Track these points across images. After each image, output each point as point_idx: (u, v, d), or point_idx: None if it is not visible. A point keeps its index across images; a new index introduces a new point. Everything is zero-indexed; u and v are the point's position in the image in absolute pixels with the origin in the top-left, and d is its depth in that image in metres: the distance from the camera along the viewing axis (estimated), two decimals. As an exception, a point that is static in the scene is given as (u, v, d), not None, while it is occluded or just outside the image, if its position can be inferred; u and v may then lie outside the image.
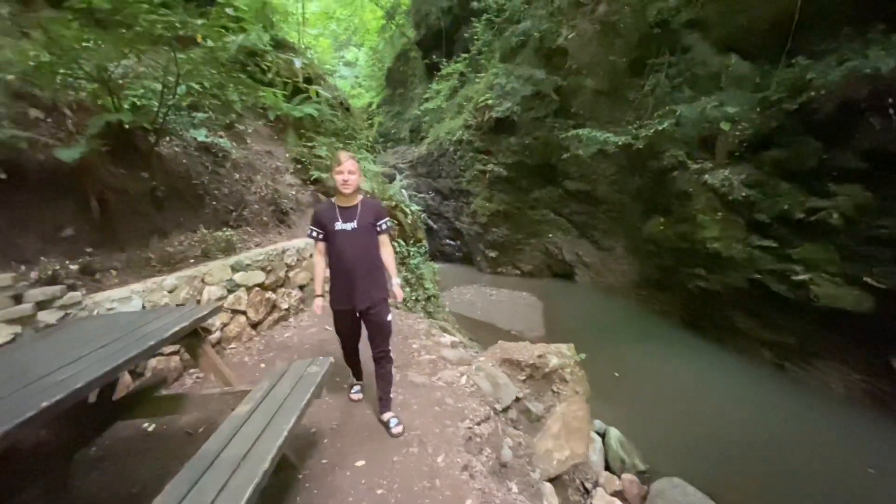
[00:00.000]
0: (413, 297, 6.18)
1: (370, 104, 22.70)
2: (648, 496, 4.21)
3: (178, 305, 3.15)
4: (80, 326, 2.14)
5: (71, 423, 2.13)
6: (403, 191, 12.71)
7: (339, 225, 2.48)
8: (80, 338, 1.88)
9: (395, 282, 2.66)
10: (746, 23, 6.89)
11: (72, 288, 2.79)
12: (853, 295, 5.31)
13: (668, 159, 7.67)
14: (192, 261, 3.83)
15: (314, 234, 2.56)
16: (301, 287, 4.62)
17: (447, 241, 13.96)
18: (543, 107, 10.63)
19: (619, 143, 7.85)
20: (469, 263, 13.38)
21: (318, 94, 6.43)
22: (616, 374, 6.51)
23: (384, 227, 2.60)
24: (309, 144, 6.59)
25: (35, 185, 3.09)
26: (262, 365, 3.42)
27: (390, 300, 2.65)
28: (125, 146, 3.81)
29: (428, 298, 6.51)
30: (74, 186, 3.33)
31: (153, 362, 3.01)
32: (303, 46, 12.65)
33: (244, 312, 3.83)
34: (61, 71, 3.29)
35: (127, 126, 3.61)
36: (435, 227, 13.92)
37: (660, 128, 7.33)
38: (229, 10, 3.37)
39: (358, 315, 2.57)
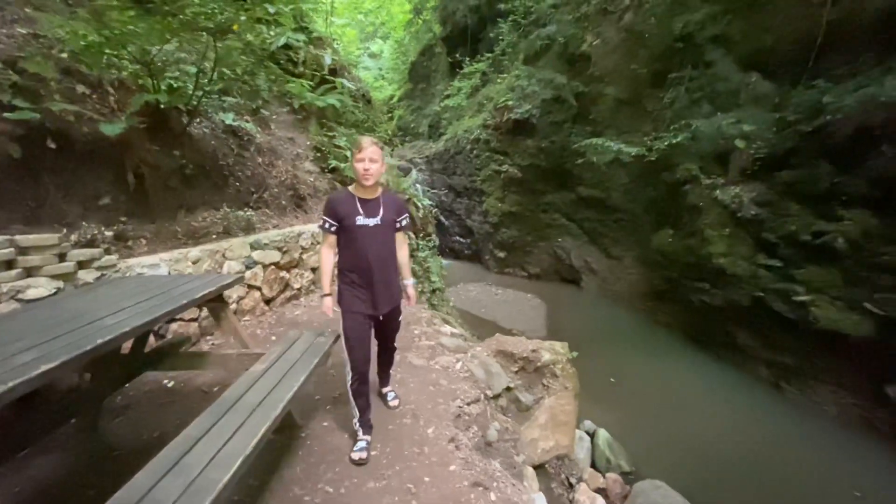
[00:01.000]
0: (419, 290, 6.42)
1: (392, 97, 23.01)
2: (630, 495, 4.40)
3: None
4: (118, 285, 2.42)
5: (104, 370, 2.41)
6: (417, 185, 12.99)
7: (360, 220, 2.23)
8: (120, 294, 2.15)
9: (409, 282, 2.53)
10: (770, 42, 6.96)
11: (107, 252, 3.09)
12: (853, 320, 5.41)
13: (682, 173, 7.79)
14: (214, 236, 4.12)
15: (327, 225, 2.27)
16: (313, 270, 4.89)
17: (457, 237, 14.18)
18: (563, 111, 10.77)
19: (633, 153, 7.97)
20: (477, 262, 13.59)
21: (342, 85, 6.68)
22: (612, 380, 6.69)
23: (405, 223, 2.45)
24: (329, 134, 6.87)
25: (79, 155, 3.40)
26: (273, 338, 3.69)
27: (402, 302, 2.53)
28: (160, 125, 4.11)
29: (433, 291, 6.75)
30: (113, 159, 3.64)
31: (174, 326, 3.30)
32: (329, 36, 12.96)
33: (259, 288, 4.11)
34: (108, 51, 3.59)
35: (163, 106, 3.90)
36: (446, 223, 14.16)
37: (675, 141, 7.45)
38: (269, 7, 3.62)
39: (381, 319, 2.38)
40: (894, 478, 4.89)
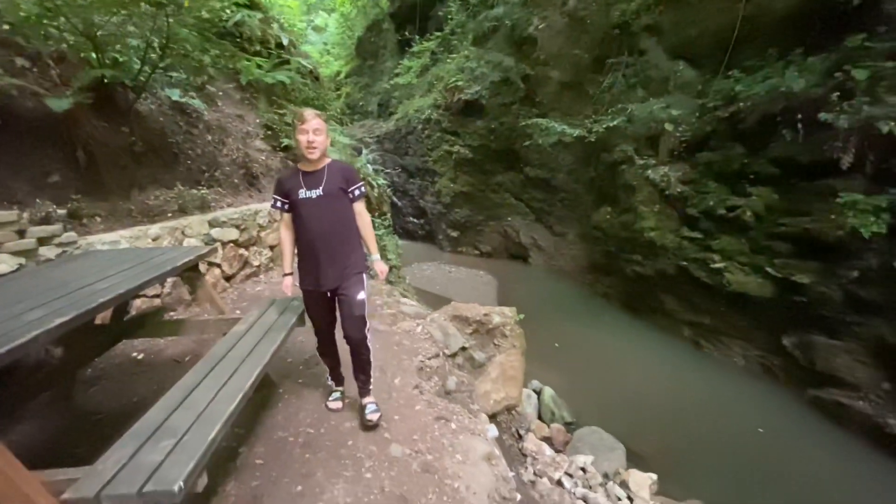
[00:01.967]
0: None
1: (339, 73, 22.41)
2: (571, 441, 5.02)
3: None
4: (96, 256, 2.53)
5: (76, 342, 2.52)
6: (369, 165, 13.02)
7: (302, 193, 2.20)
8: (101, 264, 2.28)
9: (374, 257, 2.46)
10: (695, 33, 7.71)
11: (64, 229, 3.11)
12: (757, 282, 6.32)
13: (619, 154, 8.49)
14: (169, 214, 4.15)
15: (278, 203, 2.28)
16: (272, 247, 5.02)
17: (411, 218, 14.42)
18: (510, 93, 11.20)
19: (574, 135, 8.56)
20: (431, 242, 13.94)
21: (298, 63, 6.66)
22: (557, 345, 7.35)
23: (358, 192, 2.33)
24: (280, 111, 6.84)
25: (24, 131, 3.34)
26: (237, 311, 3.84)
27: (372, 278, 2.50)
28: (106, 101, 4.04)
29: (390, 269, 7.02)
30: (60, 136, 3.58)
31: (137, 302, 3.39)
32: (271, 8, 12.47)
33: (219, 265, 4.21)
34: (48, 23, 3.49)
35: (107, 81, 3.85)
36: (399, 204, 14.34)
37: (612, 124, 8.10)
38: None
39: (330, 296, 2.35)
40: (789, 415, 5.84)
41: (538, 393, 5.82)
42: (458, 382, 3.34)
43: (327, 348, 2.51)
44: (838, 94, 5.33)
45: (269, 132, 6.58)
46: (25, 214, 3.01)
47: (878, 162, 5.20)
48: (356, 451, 2.16)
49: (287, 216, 2.31)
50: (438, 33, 14.60)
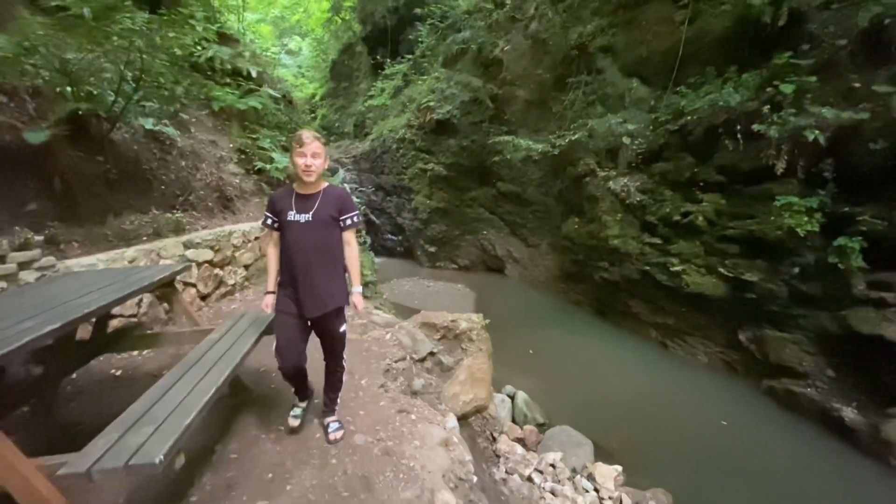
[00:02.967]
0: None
1: (314, 95, 22.84)
2: (542, 440, 5.28)
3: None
4: (76, 277, 2.72)
5: (58, 355, 2.70)
6: (345, 185, 13.30)
7: (291, 215, 2.19)
8: (82, 283, 2.48)
9: (357, 290, 2.37)
10: (645, 53, 8.33)
11: (43, 255, 3.29)
12: (712, 282, 6.77)
13: (582, 167, 8.98)
14: (145, 238, 4.35)
15: (269, 221, 2.29)
16: (246, 266, 5.23)
17: (389, 235, 14.69)
18: (480, 112, 11.71)
19: (539, 150, 9.04)
20: (410, 258, 14.20)
21: (266, 94, 6.97)
22: (531, 352, 7.64)
23: (350, 222, 2.31)
24: (253, 136, 7.11)
25: (2, 163, 3.53)
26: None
27: (348, 310, 2.39)
28: (80, 132, 4.25)
29: (366, 284, 7.25)
30: (36, 166, 3.78)
31: (114, 322, 3.55)
32: (243, 33, 12.82)
33: (194, 285, 4.40)
34: (28, 61, 3.72)
35: (81, 113, 4.08)
36: (377, 222, 14.62)
37: (573, 138, 8.60)
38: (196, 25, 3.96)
39: (308, 323, 2.33)
40: (748, 406, 6.20)
41: (512, 397, 6.07)
42: (425, 384, 3.59)
43: (294, 377, 2.44)
44: (769, 106, 5.88)
45: (243, 156, 6.83)
46: (5, 241, 3.20)
47: (807, 167, 5.74)
48: (323, 442, 2.39)
49: (276, 234, 2.31)
50: (410, 56, 15.17)
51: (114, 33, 3.60)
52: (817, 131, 5.44)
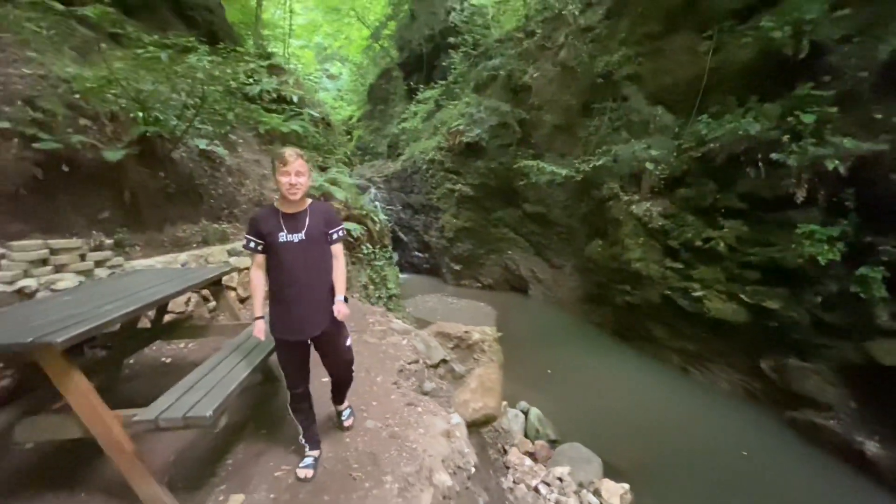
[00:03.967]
0: (376, 295, 7.35)
1: (351, 117, 24.06)
2: (553, 456, 5.44)
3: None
4: (143, 274, 3.25)
5: (123, 339, 3.21)
6: (377, 202, 13.99)
7: (283, 236, 2.15)
8: (146, 279, 2.98)
9: (340, 297, 2.30)
10: (670, 82, 8.58)
11: (113, 255, 3.88)
12: (732, 308, 6.80)
13: (606, 190, 9.21)
14: (194, 245, 4.93)
15: (252, 244, 2.22)
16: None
17: (416, 253, 15.19)
18: (508, 136, 12.17)
19: (563, 174, 9.34)
20: (435, 275, 14.62)
21: (308, 115, 7.67)
22: (549, 371, 7.81)
23: (336, 235, 2.32)
24: (293, 156, 7.77)
25: (85, 177, 4.19)
26: (249, 328, 4.52)
27: (349, 323, 2.44)
28: (147, 151, 4.93)
29: (389, 297, 7.68)
30: (111, 180, 4.43)
31: (167, 318, 4.08)
32: (287, 59, 13.84)
33: (235, 289, 4.92)
34: (109, 91, 4.42)
35: (148, 135, 4.74)
36: (405, 239, 15.17)
37: (598, 163, 8.87)
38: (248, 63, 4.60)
39: (309, 342, 2.32)
40: (772, 437, 6.14)
41: (525, 413, 6.26)
42: (436, 388, 3.91)
43: (300, 404, 2.38)
44: (788, 136, 6.01)
45: (283, 174, 7.47)
46: (84, 243, 3.81)
47: (829, 196, 5.80)
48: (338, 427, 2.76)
49: (260, 257, 2.27)
50: (443, 82, 15.91)
51: (180, 69, 4.24)
52: (837, 161, 5.53)
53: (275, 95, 7.57)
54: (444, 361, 4.38)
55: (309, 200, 2.31)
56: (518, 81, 12.19)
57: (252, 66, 5.99)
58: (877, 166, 5.40)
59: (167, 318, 4.00)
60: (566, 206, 11.13)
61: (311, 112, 7.74)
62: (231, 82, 4.70)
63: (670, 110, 8.59)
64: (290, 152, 2.15)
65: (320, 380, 2.84)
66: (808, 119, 5.91)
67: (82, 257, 3.48)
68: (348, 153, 12.22)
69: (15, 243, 3.28)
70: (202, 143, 5.97)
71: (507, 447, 5.29)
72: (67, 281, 3.33)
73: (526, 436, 5.89)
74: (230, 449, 2.53)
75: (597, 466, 5.17)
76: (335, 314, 2.28)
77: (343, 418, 2.69)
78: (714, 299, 7.07)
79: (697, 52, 8.03)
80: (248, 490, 2.20)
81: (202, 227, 5.17)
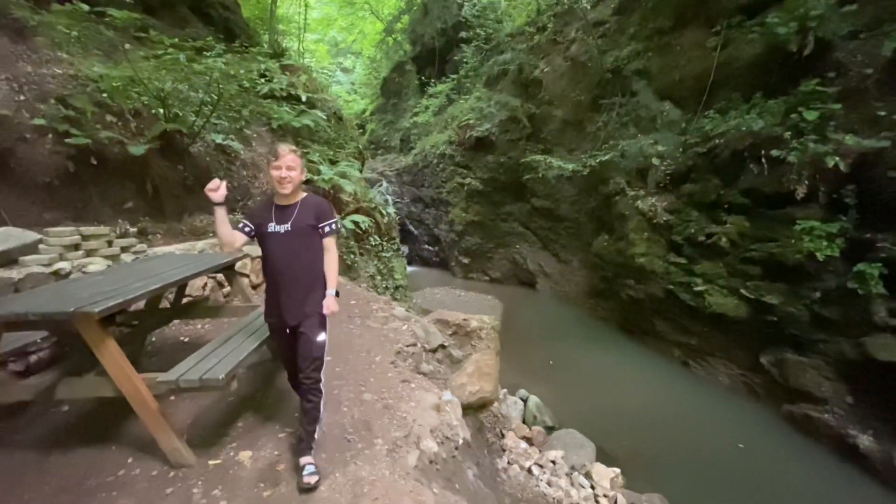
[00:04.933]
0: (383, 285, 7.66)
1: (364, 111, 24.39)
2: (548, 441, 5.70)
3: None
4: (163, 258, 3.59)
5: (146, 317, 3.56)
6: (388, 196, 14.31)
7: (271, 226, 2.29)
8: (168, 263, 3.31)
9: (330, 292, 2.37)
10: (678, 77, 8.66)
11: (137, 242, 4.25)
12: (733, 303, 6.93)
13: (613, 185, 9.35)
14: (211, 234, 5.29)
15: (241, 225, 2.39)
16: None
17: (426, 246, 15.50)
18: (518, 130, 12.34)
19: (570, 169, 9.50)
20: (445, 268, 14.92)
21: (317, 115, 8.01)
22: (551, 363, 8.05)
23: (328, 229, 2.38)
24: (305, 150, 8.11)
25: (111, 170, 4.57)
26: (261, 312, 4.87)
27: (322, 316, 2.38)
28: (168, 145, 5.29)
29: (396, 288, 7.99)
30: (135, 173, 4.80)
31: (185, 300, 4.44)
32: (302, 53, 14.15)
33: (248, 276, 5.27)
34: (133, 89, 4.79)
35: (169, 130, 5.10)
36: (416, 232, 15.49)
37: (604, 158, 9.01)
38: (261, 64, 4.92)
39: (289, 332, 2.39)
40: (770, 431, 6.29)
41: (525, 401, 6.52)
42: (433, 370, 4.20)
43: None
44: (790, 132, 6.10)
45: (295, 168, 7.82)
46: (109, 230, 4.18)
47: (829, 192, 5.90)
48: (339, 395, 3.06)
49: (242, 236, 2.39)
50: (454, 76, 16.10)
51: (199, 68, 4.58)
52: (838, 158, 5.62)
53: (285, 94, 7.91)
54: (442, 346, 4.66)
55: (303, 194, 2.42)
56: (529, 76, 12.33)
57: (264, 66, 6.32)
58: (878, 163, 5.48)
59: (185, 300, 4.37)
60: (574, 201, 11.28)
61: (319, 114, 8.01)
62: (245, 82, 5.02)
63: (678, 106, 8.68)
64: (282, 147, 2.29)
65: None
66: (811, 116, 5.99)
67: (109, 243, 3.84)
68: (360, 147, 12.54)
69: (51, 230, 3.66)
70: (218, 138, 6.32)
71: (504, 431, 5.56)
72: (97, 264, 3.69)
73: (524, 422, 6.15)
74: (241, 414, 2.85)
75: (590, 451, 5.41)
76: (323, 308, 2.35)
77: (304, 473, 2.23)
78: (715, 294, 7.21)
79: (705, 48, 8.11)
80: (255, 448, 2.52)
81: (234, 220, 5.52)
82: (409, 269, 13.20)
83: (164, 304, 3.65)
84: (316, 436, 2.38)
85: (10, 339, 2.76)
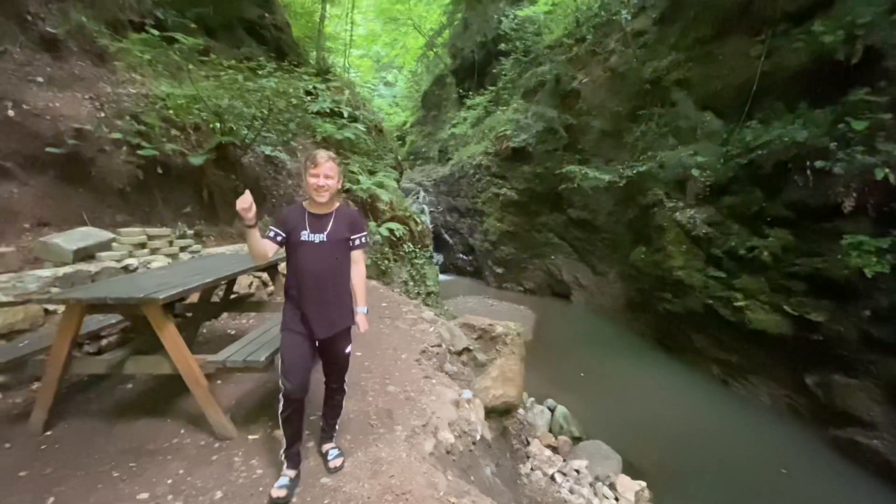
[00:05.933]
0: (415, 291, 7.96)
1: (405, 122, 25.19)
2: (574, 451, 5.73)
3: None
4: (216, 257, 4.05)
5: (199, 309, 3.99)
6: (424, 206, 14.72)
7: (305, 235, 2.20)
8: (221, 261, 3.74)
9: (361, 310, 2.37)
10: (720, 87, 8.54)
11: (194, 243, 4.75)
12: (775, 320, 6.72)
13: (651, 197, 9.27)
14: (257, 238, 5.76)
15: (272, 233, 2.25)
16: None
17: (461, 255, 15.75)
18: (555, 141, 12.44)
19: (607, 180, 9.50)
20: (479, 278, 15.09)
21: (357, 128, 8.52)
22: (581, 374, 8.04)
23: (359, 242, 2.35)
24: (345, 161, 8.61)
25: (174, 178, 5.13)
26: (299, 311, 5.26)
27: (354, 329, 2.39)
28: (222, 156, 5.85)
29: (428, 294, 8.27)
30: (193, 181, 5.35)
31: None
32: (347, 69, 14.88)
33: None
34: (194, 106, 5.36)
35: (223, 143, 5.64)
36: (451, 241, 15.78)
37: (642, 169, 8.97)
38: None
39: (316, 344, 2.32)
40: (814, 456, 6.03)
41: (552, 410, 6.58)
42: (458, 371, 4.40)
43: (292, 415, 2.30)
44: (836, 143, 5.92)
45: (336, 177, 8.32)
46: (170, 231, 4.69)
47: (878, 206, 5.67)
48: (366, 385, 3.34)
49: (274, 245, 2.25)
50: (492, 88, 16.42)
51: (252, 86, 5.09)
52: (888, 170, 5.42)
53: (328, 110, 8.47)
54: (467, 350, 4.86)
55: (337, 204, 2.34)
56: (566, 87, 12.44)
57: (311, 85, 6.84)
58: (931, 175, 5.24)
59: (233, 296, 4.83)
60: (612, 213, 11.21)
61: (360, 127, 8.50)
62: (293, 100, 5.52)
63: (719, 116, 8.55)
64: (321, 154, 2.22)
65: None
66: (859, 126, 5.81)
67: (170, 243, 4.34)
68: (398, 158, 13.04)
69: (122, 230, 4.20)
70: (267, 150, 6.88)
71: (529, 439, 5.66)
72: (159, 261, 4.19)
73: (550, 431, 6.21)
74: (278, 397, 3.17)
75: (616, 463, 5.41)
76: (360, 328, 2.38)
77: (329, 458, 2.42)
78: (757, 310, 7.01)
79: (749, 57, 7.97)
80: (289, 427, 2.82)
81: (264, 223, 6.02)
82: (444, 277, 13.48)
83: (215, 299, 4.07)
84: (337, 427, 2.58)
85: (87, 323, 3.23)
